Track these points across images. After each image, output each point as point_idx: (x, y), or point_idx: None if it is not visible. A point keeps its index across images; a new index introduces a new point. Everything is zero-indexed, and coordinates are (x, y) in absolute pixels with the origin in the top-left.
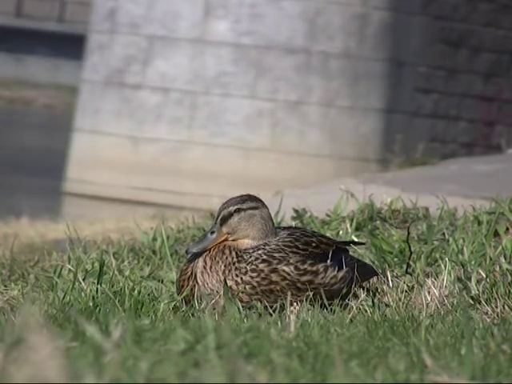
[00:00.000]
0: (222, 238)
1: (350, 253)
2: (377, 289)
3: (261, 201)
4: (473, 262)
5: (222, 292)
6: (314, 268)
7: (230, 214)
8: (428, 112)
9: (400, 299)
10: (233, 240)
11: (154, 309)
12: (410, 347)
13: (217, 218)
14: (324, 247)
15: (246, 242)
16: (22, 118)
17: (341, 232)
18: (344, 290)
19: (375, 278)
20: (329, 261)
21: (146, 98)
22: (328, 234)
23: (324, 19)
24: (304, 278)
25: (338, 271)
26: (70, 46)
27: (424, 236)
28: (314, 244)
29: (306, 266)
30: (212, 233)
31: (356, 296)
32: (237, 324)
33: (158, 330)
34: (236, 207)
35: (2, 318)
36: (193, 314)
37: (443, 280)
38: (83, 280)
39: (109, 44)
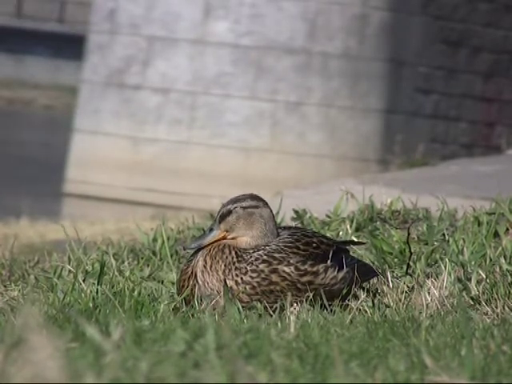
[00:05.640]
0: (221, 236)
1: (351, 253)
2: (377, 289)
3: (263, 200)
4: (473, 263)
5: (222, 292)
6: (315, 269)
7: (229, 212)
8: (428, 112)
9: (400, 300)
10: (232, 238)
11: (154, 309)
12: (410, 348)
13: (216, 216)
14: (324, 248)
15: (244, 241)
16: (21, 119)
17: (341, 233)
18: (344, 291)
19: (375, 279)
20: (329, 261)
21: (146, 99)
22: (328, 235)
23: (324, 19)
24: (304, 279)
25: (338, 272)
26: (70, 46)
27: (424, 237)
28: (314, 244)
29: (306, 267)
30: (211, 230)
31: (356, 297)
32: (237, 324)
33: (158, 331)
34: (235, 205)
35: (2, 318)
36: (193, 315)
37: (443, 281)
38: (83, 281)
39: (109, 44)
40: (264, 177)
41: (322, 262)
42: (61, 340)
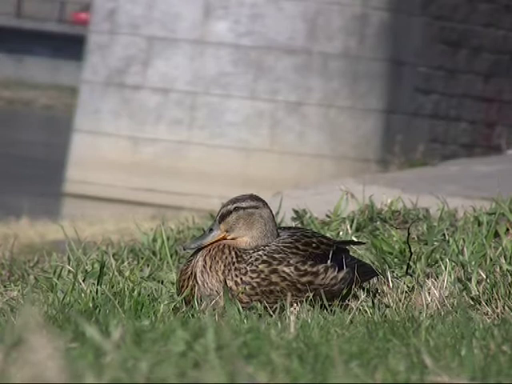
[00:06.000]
0: (221, 236)
1: (350, 253)
2: (377, 289)
3: (262, 201)
4: (473, 263)
5: (221, 292)
6: (315, 269)
7: (229, 212)
8: (428, 112)
9: (400, 300)
10: (232, 238)
11: (154, 310)
12: (410, 348)
13: (216, 216)
14: (324, 248)
15: (244, 241)
16: (21, 119)
17: (341, 233)
18: (344, 291)
19: (375, 279)
20: (329, 261)
21: (146, 99)
22: (328, 235)
23: (324, 19)
24: (304, 279)
25: (338, 272)
26: (70, 46)
27: (424, 237)
28: (314, 245)
29: (306, 267)
30: (211, 230)
31: (356, 297)
32: (237, 325)
33: (158, 331)
34: (235, 205)
35: (2, 318)
36: (193, 315)
37: (443, 281)
38: (83, 281)
39: (109, 44)
40: (264, 177)
41: (322, 262)
42: (61, 340)
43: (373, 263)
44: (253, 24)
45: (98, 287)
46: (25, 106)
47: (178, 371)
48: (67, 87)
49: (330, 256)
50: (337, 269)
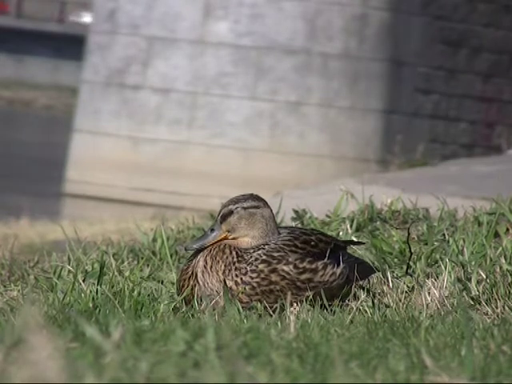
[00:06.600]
0: (222, 236)
1: (351, 253)
2: (377, 289)
3: (263, 200)
4: (473, 263)
5: (222, 292)
6: (313, 266)
7: (230, 212)
8: (428, 113)
9: (400, 300)
10: (233, 238)
11: (154, 310)
12: (410, 348)
13: (217, 216)
14: (322, 246)
15: (246, 241)
16: (21, 119)
17: (341, 233)
18: (344, 290)
19: (375, 279)
20: (326, 259)
21: (146, 99)
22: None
23: (324, 20)
24: (303, 277)
25: (336, 268)
26: (70, 46)
27: (424, 237)
28: (312, 243)
29: (304, 264)
30: (212, 230)
31: (356, 297)
32: (237, 325)
33: (158, 331)
34: (236, 205)
35: (2, 318)
36: (193, 315)
37: (443, 281)
38: (83, 281)
39: (109, 45)
40: (264, 177)
41: (320, 259)
42: (61, 340)
43: (373, 263)
44: (253, 24)
45: (98, 287)
46: (25, 106)
47: (178, 371)
48: (67, 87)
49: (327, 254)
50: (335, 265)
